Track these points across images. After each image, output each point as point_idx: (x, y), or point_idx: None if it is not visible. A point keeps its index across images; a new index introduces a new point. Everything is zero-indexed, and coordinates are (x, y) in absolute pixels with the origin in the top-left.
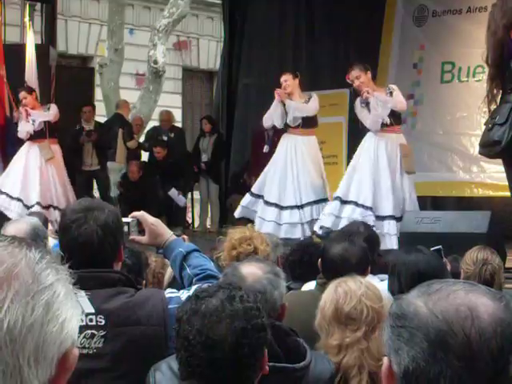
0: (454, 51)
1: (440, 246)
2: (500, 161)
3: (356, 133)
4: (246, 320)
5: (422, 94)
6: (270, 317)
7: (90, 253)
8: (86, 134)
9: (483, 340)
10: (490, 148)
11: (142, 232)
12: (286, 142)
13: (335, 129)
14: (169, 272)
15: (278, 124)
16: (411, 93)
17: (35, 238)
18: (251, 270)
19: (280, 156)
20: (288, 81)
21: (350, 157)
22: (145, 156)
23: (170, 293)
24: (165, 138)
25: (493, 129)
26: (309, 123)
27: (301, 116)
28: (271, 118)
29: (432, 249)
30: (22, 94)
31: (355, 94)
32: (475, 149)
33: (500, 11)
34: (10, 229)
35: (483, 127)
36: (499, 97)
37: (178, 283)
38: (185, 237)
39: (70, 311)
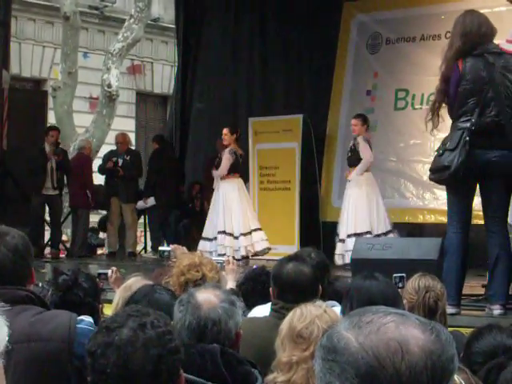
0: (407, 78)
1: (404, 274)
2: None
3: (309, 158)
4: (161, 346)
5: (375, 121)
6: (225, 346)
7: (2, 277)
8: (54, 152)
9: (413, 374)
10: (439, 173)
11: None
12: None
13: (288, 154)
14: (117, 297)
15: None
16: None
17: None
18: (207, 298)
19: None
20: (226, 135)
21: (302, 182)
22: (101, 179)
23: (84, 316)
24: (120, 161)
25: (443, 154)
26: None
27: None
28: None
29: (395, 275)
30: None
31: None
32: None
33: (458, 34)
34: None
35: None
36: (441, 109)
37: None
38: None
39: None
